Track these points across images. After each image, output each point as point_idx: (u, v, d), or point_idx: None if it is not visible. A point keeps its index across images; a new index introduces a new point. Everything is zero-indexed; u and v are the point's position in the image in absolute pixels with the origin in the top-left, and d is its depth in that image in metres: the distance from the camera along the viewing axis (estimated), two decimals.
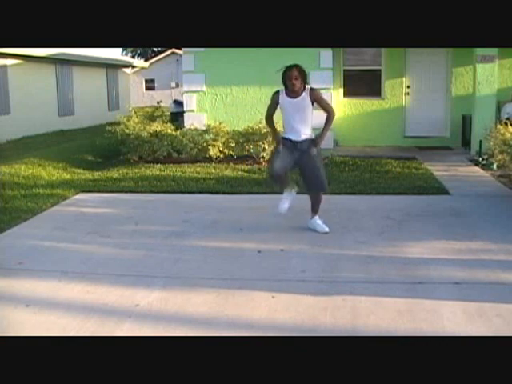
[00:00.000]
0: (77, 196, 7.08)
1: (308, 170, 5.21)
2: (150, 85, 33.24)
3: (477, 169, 8.61)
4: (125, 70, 21.70)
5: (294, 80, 5.00)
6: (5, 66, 13.99)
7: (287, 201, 5.36)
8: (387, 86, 11.27)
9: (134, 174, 8.34)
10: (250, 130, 9.17)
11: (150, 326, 3.44)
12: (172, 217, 6.05)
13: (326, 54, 9.85)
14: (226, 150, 9.26)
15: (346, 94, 11.33)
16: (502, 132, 7.94)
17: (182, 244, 5.06)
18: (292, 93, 5.10)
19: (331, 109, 5.29)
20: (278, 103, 5.23)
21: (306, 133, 5.18)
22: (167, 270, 4.43)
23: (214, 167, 8.77)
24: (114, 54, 32.80)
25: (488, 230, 5.32)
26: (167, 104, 18.01)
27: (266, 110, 5.45)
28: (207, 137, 9.19)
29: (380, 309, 3.62)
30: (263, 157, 9.00)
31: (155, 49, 38.20)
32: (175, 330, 3.39)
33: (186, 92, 10.46)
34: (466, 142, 10.28)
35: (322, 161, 5.37)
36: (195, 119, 10.09)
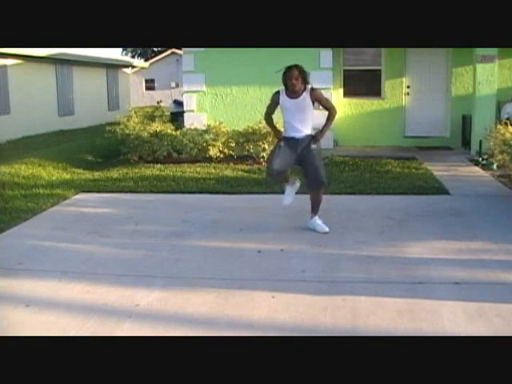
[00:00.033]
0: (77, 196, 7.08)
1: (308, 164, 5.21)
2: (149, 85, 33.24)
3: (477, 169, 8.61)
4: (125, 69, 21.70)
5: (294, 80, 5.00)
6: (5, 66, 13.99)
7: (291, 193, 5.41)
8: (387, 86, 11.27)
9: (134, 173, 8.34)
10: (250, 130, 9.17)
11: (149, 326, 3.44)
12: (172, 217, 6.05)
13: (325, 54, 9.85)
14: (226, 150, 9.26)
15: (346, 94, 11.33)
16: (502, 132, 7.94)
17: (182, 244, 5.06)
18: (292, 93, 5.10)
19: (333, 107, 5.33)
20: (277, 103, 5.24)
21: (306, 131, 5.19)
22: (167, 270, 4.43)
23: (214, 167, 8.77)
24: (114, 53, 32.83)
25: (488, 230, 5.32)
26: (167, 104, 18.01)
27: (265, 109, 5.47)
28: (207, 137, 9.19)
29: (380, 309, 3.62)
30: (263, 157, 8.99)
31: (155, 49, 38.20)
32: (175, 330, 3.39)
33: (186, 92, 10.46)
34: (466, 142, 10.28)
35: (321, 159, 5.37)
36: (195, 119, 10.09)
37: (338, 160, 9.17)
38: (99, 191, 7.34)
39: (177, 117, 12.63)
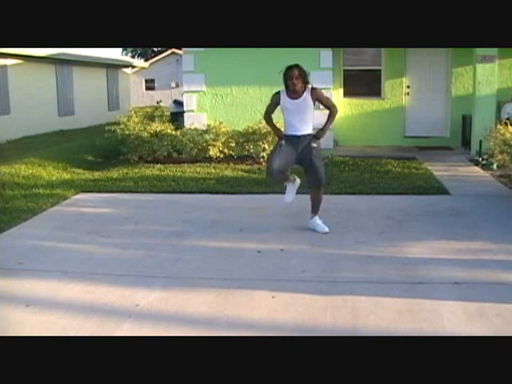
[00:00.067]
0: (77, 196, 7.08)
1: (308, 163, 5.21)
2: (149, 85, 33.23)
3: (477, 169, 8.61)
4: (125, 69, 21.70)
5: (294, 80, 5.00)
6: (5, 66, 13.99)
7: (292, 191, 5.41)
8: (387, 86, 11.27)
9: (134, 173, 8.34)
10: (250, 130, 9.17)
11: (149, 326, 3.44)
12: (172, 217, 6.05)
13: (325, 54, 9.85)
14: (226, 150, 9.26)
15: (346, 94, 11.33)
16: (502, 132, 7.94)
17: (182, 244, 5.06)
18: (293, 93, 5.10)
19: (333, 105, 5.34)
20: (278, 104, 5.24)
21: (307, 131, 5.19)
22: (167, 269, 4.43)
23: (214, 167, 8.77)
24: (114, 53, 32.81)
25: (488, 230, 5.32)
26: (167, 104, 18.00)
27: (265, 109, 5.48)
28: (207, 137, 9.19)
29: (380, 309, 3.62)
30: (263, 157, 8.99)
31: (155, 49, 38.20)
32: (175, 330, 3.39)
33: (186, 92, 10.45)
34: (466, 142, 10.28)
35: (321, 159, 5.38)
36: (195, 119, 10.09)
37: (337, 160, 9.17)
38: (99, 191, 7.34)
39: (177, 117, 12.63)
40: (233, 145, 9.23)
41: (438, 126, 11.28)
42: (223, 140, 9.24)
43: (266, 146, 9.00)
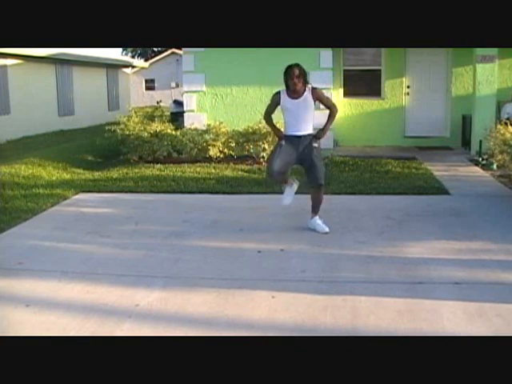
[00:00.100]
0: (77, 196, 7.08)
1: (309, 163, 5.20)
2: (149, 85, 33.23)
3: (477, 169, 8.61)
4: (125, 69, 21.70)
5: (295, 78, 5.00)
6: (5, 66, 13.99)
7: (290, 193, 5.41)
8: (387, 86, 11.27)
9: (134, 173, 8.34)
10: (250, 130, 9.17)
11: (149, 326, 3.44)
12: (172, 217, 6.05)
13: (325, 54, 9.85)
14: (226, 150, 9.26)
15: (346, 94, 11.33)
16: (502, 132, 7.94)
17: (182, 244, 5.06)
18: (293, 93, 5.10)
19: (334, 105, 5.35)
20: (278, 104, 5.24)
21: (308, 131, 5.19)
22: (167, 269, 4.43)
23: (214, 167, 8.77)
24: (114, 53, 32.79)
25: (488, 230, 5.32)
26: (167, 104, 18.00)
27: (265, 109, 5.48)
28: (207, 137, 9.19)
29: (380, 309, 3.62)
30: (263, 157, 8.99)
31: (155, 49, 38.20)
32: (175, 330, 3.39)
33: (186, 92, 10.46)
34: (466, 142, 10.28)
35: (322, 159, 5.38)
36: (195, 119, 10.09)
37: (338, 160, 9.17)
38: (99, 191, 7.34)
39: (177, 117, 12.63)
40: (233, 145, 9.23)
41: (438, 125, 11.28)
42: (223, 140, 9.24)
43: (266, 146, 8.99)
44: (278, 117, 5.41)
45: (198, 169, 8.64)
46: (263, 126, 8.59)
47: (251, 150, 9.20)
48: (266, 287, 4.02)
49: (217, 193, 7.13)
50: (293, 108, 5.13)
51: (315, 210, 5.37)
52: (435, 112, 11.27)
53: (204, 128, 9.54)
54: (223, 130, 9.34)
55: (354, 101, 11.30)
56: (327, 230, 5.28)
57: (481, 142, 8.95)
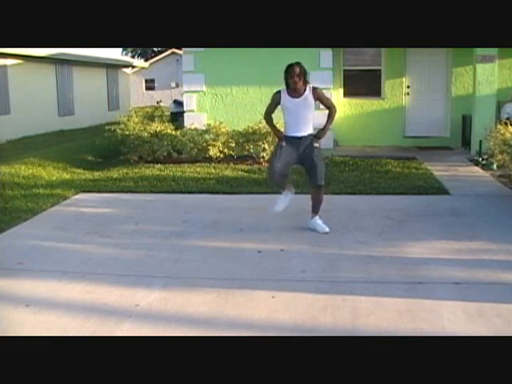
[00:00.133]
0: (77, 196, 7.08)
1: (309, 163, 5.20)
2: (150, 85, 33.23)
3: (477, 169, 8.61)
4: (125, 69, 21.70)
5: (296, 77, 4.99)
6: (5, 66, 13.99)
7: (284, 202, 5.39)
8: (387, 86, 11.27)
9: (134, 173, 8.34)
10: (250, 130, 9.17)
11: (149, 326, 3.44)
12: (172, 217, 6.05)
13: (325, 54, 9.85)
14: (226, 150, 9.26)
15: (346, 94, 11.33)
16: (502, 132, 7.94)
17: (182, 244, 5.06)
18: (294, 92, 5.09)
19: (333, 105, 5.36)
20: (278, 103, 5.23)
21: (308, 131, 5.19)
22: (167, 269, 4.43)
23: (214, 167, 8.77)
24: (114, 53, 32.79)
25: (488, 230, 5.32)
26: (167, 104, 18.01)
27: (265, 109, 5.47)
28: (207, 137, 9.19)
29: (380, 309, 3.62)
30: (263, 157, 9.00)
31: (155, 49, 38.20)
32: (175, 330, 3.39)
33: (186, 92, 10.46)
34: (466, 142, 10.28)
35: (322, 159, 5.38)
36: (195, 119, 10.09)
37: (338, 160, 9.17)
38: (99, 191, 7.34)
39: (177, 117, 12.63)
40: (233, 145, 9.23)
41: (438, 126, 11.28)
42: (223, 140, 9.24)
43: (266, 146, 8.99)
44: (278, 117, 5.41)
45: (198, 169, 8.64)
46: (263, 126, 8.59)
47: (251, 150, 9.20)
48: (266, 287, 4.02)
49: (217, 193, 7.12)
50: (293, 107, 5.12)
51: (315, 209, 5.37)
52: (435, 112, 11.27)
53: (204, 128, 9.53)
54: (223, 129, 9.34)
55: (354, 101, 11.30)
56: (327, 229, 5.28)
57: (481, 142, 8.95)
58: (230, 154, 9.25)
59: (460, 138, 10.81)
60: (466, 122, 10.33)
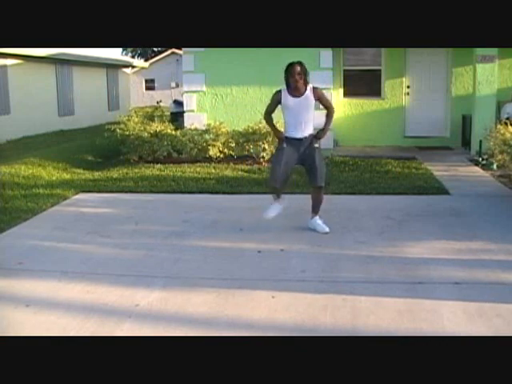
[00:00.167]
0: (77, 196, 7.08)
1: (310, 163, 5.20)
2: (150, 85, 33.22)
3: (477, 169, 8.61)
4: (125, 70, 21.70)
5: (296, 76, 4.99)
6: (5, 66, 13.99)
7: (276, 209, 5.39)
8: (387, 86, 11.27)
9: (134, 173, 8.34)
10: (250, 130, 9.17)
11: (149, 326, 3.44)
12: (172, 217, 6.05)
13: (326, 54, 9.84)
14: (226, 150, 9.26)
15: (346, 94, 11.33)
16: (502, 132, 7.94)
17: (182, 244, 5.06)
18: (295, 91, 5.09)
19: (331, 105, 5.39)
20: (279, 102, 5.22)
21: (309, 131, 5.19)
22: (167, 269, 4.43)
23: (214, 167, 8.77)
24: (114, 53, 32.79)
25: (488, 230, 5.32)
26: (167, 104, 18.01)
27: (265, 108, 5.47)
28: (207, 137, 9.19)
29: (380, 309, 3.62)
30: (263, 157, 9.00)
31: (155, 49, 38.19)
32: (175, 330, 3.39)
33: (186, 92, 10.45)
34: (466, 142, 10.28)
35: (323, 158, 5.37)
36: (195, 119, 10.09)
37: (338, 160, 9.17)
38: (99, 191, 7.34)
39: (177, 117, 12.63)
40: (233, 145, 9.23)
41: (438, 126, 11.28)
42: (223, 140, 9.24)
43: (266, 146, 9.00)
44: (278, 116, 5.41)
45: (198, 169, 8.64)
46: (263, 126, 8.59)
47: (251, 150, 9.20)
48: (266, 287, 4.02)
49: (217, 193, 7.12)
50: (294, 106, 5.11)
51: (315, 209, 5.37)
52: (435, 112, 11.27)
53: (204, 128, 9.53)
54: (223, 129, 9.34)
55: (354, 101, 11.30)
56: (327, 229, 5.27)
57: (481, 142, 8.95)
58: (230, 154, 9.25)
59: (460, 137, 10.81)
60: (466, 122, 10.33)
